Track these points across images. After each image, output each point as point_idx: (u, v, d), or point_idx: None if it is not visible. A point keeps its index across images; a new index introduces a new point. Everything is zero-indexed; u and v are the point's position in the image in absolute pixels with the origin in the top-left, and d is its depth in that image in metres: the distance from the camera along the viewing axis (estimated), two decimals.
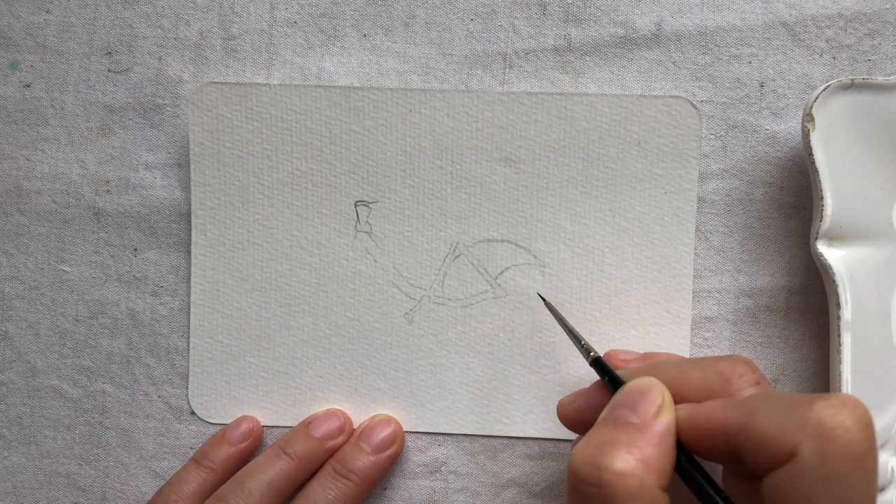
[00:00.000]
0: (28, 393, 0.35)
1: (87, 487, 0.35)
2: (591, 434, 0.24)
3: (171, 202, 0.34)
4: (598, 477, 0.22)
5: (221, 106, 0.33)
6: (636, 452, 0.22)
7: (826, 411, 0.21)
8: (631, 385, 0.25)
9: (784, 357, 0.33)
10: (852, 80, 0.30)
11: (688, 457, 0.24)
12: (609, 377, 0.27)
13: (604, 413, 0.24)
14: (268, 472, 0.31)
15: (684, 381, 0.25)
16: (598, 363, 0.28)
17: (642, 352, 0.32)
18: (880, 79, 0.31)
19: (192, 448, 0.34)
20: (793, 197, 0.33)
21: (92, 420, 0.35)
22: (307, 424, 0.33)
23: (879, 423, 0.31)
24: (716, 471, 0.26)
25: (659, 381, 0.25)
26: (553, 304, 0.32)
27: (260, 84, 0.33)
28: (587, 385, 0.29)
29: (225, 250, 0.34)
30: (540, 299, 0.33)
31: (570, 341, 0.32)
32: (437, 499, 0.34)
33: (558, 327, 0.33)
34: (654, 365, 0.27)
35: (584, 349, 0.29)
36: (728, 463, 0.23)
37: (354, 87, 0.33)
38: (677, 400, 0.25)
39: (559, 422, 0.29)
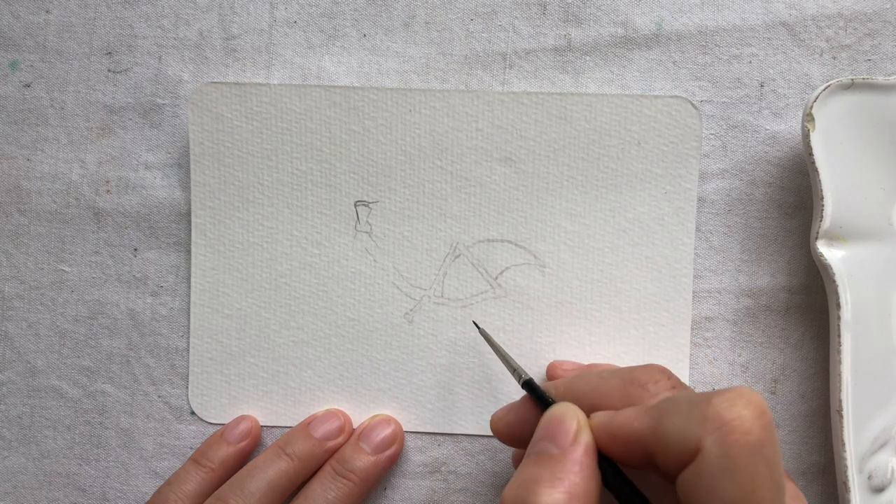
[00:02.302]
0: (28, 393, 0.35)
1: (87, 487, 0.35)
2: (518, 473, 0.24)
3: (171, 202, 0.34)
4: None
5: (221, 106, 0.33)
6: (559, 485, 0.23)
7: (723, 405, 0.21)
8: (547, 416, 0.25)
9: (784, 357, 0.33)
10: (852, 80, 0.30)
11: (613, 470, 0.24)
12: (538, 398, 0.27)
13: (529, 448, 0.25)
14: (268, 472, 0.31)
15: (605, 391, 0.26)
16: (528, 385, 0.28)
17: (642, 349, 0.32)
18: (880, 79, 0.31)
19: (192, 448, 0.34)
20: (793, 197, 0.33)
21: (92, 420, 0.35)
22: (307, 424, 0.33)
23: (879, 423, 0.31)
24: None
25: (577, 402, 0.25)
26: (486, 332, 0.32)
27: (260, 84, 0.33)
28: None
29: (225, 250, 0.34)
30: (475, 326, 0.33)
31: (568, 341, 0.32)
32: (437, 499, 0.34)
33: (558, 328, 0.33)
34: (575, 378, 0.27)
35: (516, 373, 0.29)
36: (648, 468, 0.24)
37: (354, 87, 0.33)
38: (599, 409, 0.25)
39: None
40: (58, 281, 0.35)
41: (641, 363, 0.33)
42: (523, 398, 0.28)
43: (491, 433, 0.33)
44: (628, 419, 0.24)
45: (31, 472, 0.35)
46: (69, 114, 0.35)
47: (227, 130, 0.34)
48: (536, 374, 0.33)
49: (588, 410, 0.25)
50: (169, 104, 0.34)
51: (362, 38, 0.34)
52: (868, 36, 0.33)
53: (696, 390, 0.30)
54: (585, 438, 0.24)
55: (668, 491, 0.23)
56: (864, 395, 0.30)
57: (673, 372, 0.27)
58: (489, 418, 0.33)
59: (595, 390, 0.26)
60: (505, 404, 0.29)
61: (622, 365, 0.33)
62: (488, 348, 0.33)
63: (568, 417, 0.24)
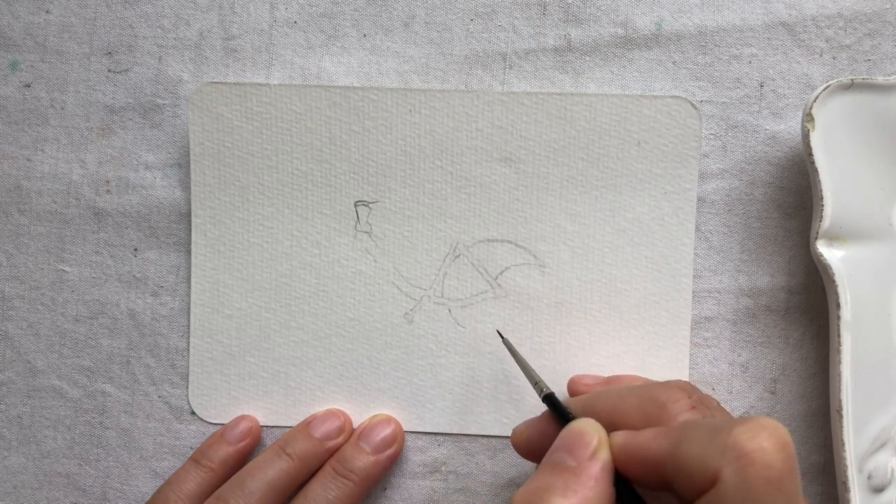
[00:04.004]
0: (28, 393, 0.35)
1: (87, 487, 0.35)
2: (531, 479, 0.24)
3: (171, 202, 0.34)
4: None
5: (221, 106, 0.33)
6: (572, 496, 0.23)
7: (744, 435, 0.21)
8: (568, 429, 0.25)
9: (784, 357, 0.33)
10: (852, 80, 0.30)
11: (628, 490, 0.24)
12: (558, 413, 0.27)
13: (545, 457, 0.25)
14: (268, 472, 0.31)
15: (624, 409, 0.26)
16: (549, 399, 0.28)
17: (641, 349, 0.32)
18: (880, 79, 0.31)
19: (192, 448, 0.34)
20: (793, 197, 0.33)
21: (92, 420, 0.35)
22: (307, 424, 0.33)
23: (879, 423, 0.31)
24: None
25: (596, 420, 0.25)
26: (510, 342, 0.32)
27: (260, 84, 0.33)
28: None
29: (225, 250, 0.34)
30: (499, 336, 0.33)
31: (569, 341, 0.32)
32: (437, 499, 0.34)
33: (558, 328, 0.33)
34: (594, 395, 0.27)
35: (538, 386, 0.29)
36: (664, 490, 0.23)
37: (354, 87, 0.33)
38: (618, 427, 0.25)
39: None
40: (58, 281, 0.35)
41: (641, 363, 0.33)
42: (544, 414, 0.28)
43: (491, 433, 0.33)
44: (647, 441, 0.23)
45: (31, 472, 0.35)
46: (69, 114, 0.35)
47: (227, 130, 0.34)
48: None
49: (607, 428, 0.25)
50: (169, 104, 0.34)
51: (362, 38, 0.34)
52: (868, 36, 0.33)
53: None
54: (604, 455, 0.24)
55: None
56: (863, 395, 0.30)
57: (695, 387, 0.27)
58: (489, 418, 0.33)
59: (614, 408, 0.26)
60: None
61: (619, 365, 0.33)
62: (495, 346, 0.33)
63: (589, 433, 0.24)
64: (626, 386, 0.29)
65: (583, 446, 0.24)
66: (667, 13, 0.33)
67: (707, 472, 0.21)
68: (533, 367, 0.32)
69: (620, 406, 0.26)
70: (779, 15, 0.33)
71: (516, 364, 0.31)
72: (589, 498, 0.23)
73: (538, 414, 0.29)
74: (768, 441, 0.21)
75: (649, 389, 0.26)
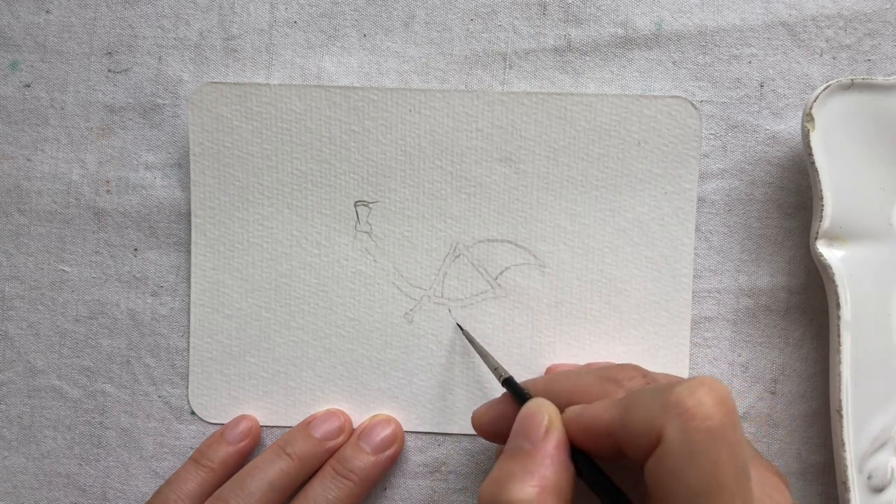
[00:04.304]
0: (28, 393, 0.35)
1: (87, 487, 0.35)
2: (494, 469, 0.25)
3: (171, 202, 0.34)
4: None
5: (221, 106, 0.33)
6: (530, 479, 0.23)
7: (684, 392, 0.22)
8: (521, 413, 0.26)
9: (784, 357, 0.33)
10: (852, 80, 0.30)
11: (587, 462, 0.25)
12: (517, 394, 0.28)
13: (506, 445, 0.25)
14: (268, 472, 0.31)
15: (582, 388, 0.27)
16: (507, 382, 0.29)
17: (641, 349, 0.32)
18: (880, 79, 0.31)
19: (192, 448, 0.34)
20: (793, 197, 0.33)
21: (92, 420, 0.35)
22: (307, 424, 0.33)
23: (879, 423, 0.31)
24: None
25: (549, 396, 0.26)
26: (469, 332, 0.33)
27: (260, 84, 0.33)
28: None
29: (225, 250, 0.34)
30: (458, 328, 0.33)
31: (569, 341, 0.32)
32: (437, 499, 0.34)
33: (558, 328, 0.33)
34: (554, 376, 0.28)
35: (496, 371, 0.30)
36: (619, 458, 0.24)
37: (354, 87, 0.33)
38: (575, 404, 0.26)
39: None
40: (58, 281, 0.35)
41: (641, 363, 0.33)
42: (503, 395, 0.29)
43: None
44: (598, 411, 0.24)
45: (31, 472, 0.35)
46: (69, 114, 0.35)
47: (227, 130, 0.34)
48: (537, 374, 0.33)
49: (567, 406, 0.25)
50: (169, 104, 0.34)
51: (362, 38, 0.34)
52: (868, 36, 0.33)
53: None
54: (556, 432, 0.24)
55: (640, 480, 0.24)
56: (863, 395, 0.30)
57: (648, 370, 0.28)
58: None
59: (573, 387, 0.27)
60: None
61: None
62: (494, 346, 0.33)
63: (539, 412, 0.25)
64: (583, 367, 0.30)
65: (536, 427, 0.25)
66: (667, 13, 0.33)
67: (652, 431, 0.22)
68: (534, 365, 0.32)
69: (579, 384, 0.27)
70: (779, 15, 0.33)
71: (476, 353, 0.32)
72: (547, 477, 0.23)
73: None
74: (707, 396, 0.21)
75: (606, 369, 0.27)
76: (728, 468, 0.21)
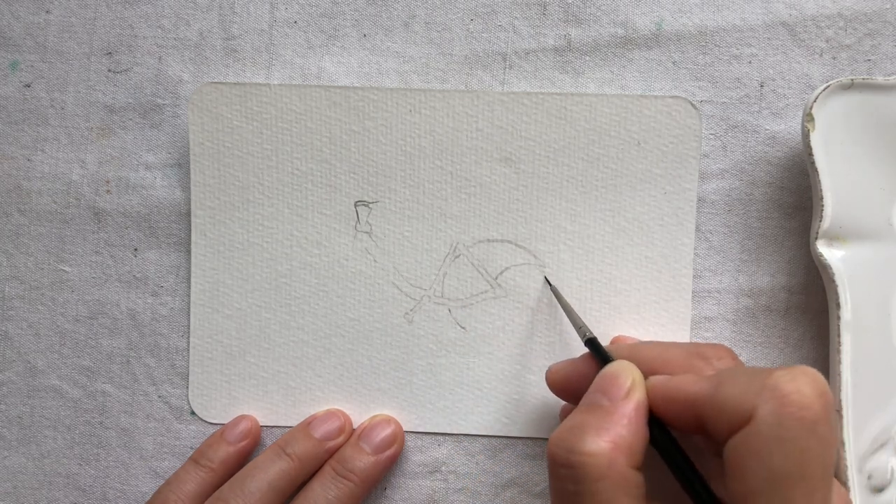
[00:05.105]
0: (28, 393, 0.35)
1: (87, 487, 0.35)
2: (567, 419, 0.25)
3: (171, 202, 0.34)
4: (569, 459, 0.23)
5: (221, 106, 0.33)
6: (605, 434, 0.23)
7: (784, 378, 0.22)
8: (604, 370, 0.26)
9: (784, 357, 0.33)
10: (852, 80, 0.30)
11: (663, 432, 0.25)
12: (599, 355, 0.28)
13: (582, 399, 0.26)
14: (268, 472, 0.31)
15: (668, 358, 0.27)
16: (591, 343, 0.29)
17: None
18: (880, 79, 0.31)
19: (192, 448, 0.34)
20: (793, 197, 0.33)
21: (92, 420, 0.35)
22: (307, 424, 0.33)
23: (879, 423, 0.31)
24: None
25: (633, 363, 0.26)
26: (557, 289, 0.33)
27: (260, 84, 0.33)
28: None
29: (225, 250, 0.34)
30: (546, 282, 0.33)
31: (568, 341, 0.32)
32: (437, 499, 0.34)
33: (557, 327, 0.33)
34: (640, 343, 0.28)
35: (581, 330, 0.30)
36: (698, 433, 0.24)
37: (354, 87, 0.33)
38: (658, 374, 0.26)
39: (551, 392, 0.30)
40: (58, 281, 0.35)
41: None
42: (584, 355, 0.29)
43: (491, 433, 0.33)
44: (686, 383, 0.24)
45: (31, 472, 0.35)
46: (69, 114, 0.35)
47: (227, 130, 0.34)
48: (537, 374, 0.33)
49: (649, 375, 0.26)
50: (169, 104, 0.34)
51: (362, 38, 0.34)
52: (868, 36, 0.33)
53: None
54: (638, 395, 0.24)
55: (713, 459, 0.24)
56: (864, 395, 0.30)
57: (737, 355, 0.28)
58: (489, 418, 0.33)
59: (659, 357, 0.27)
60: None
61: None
62: (495, 346, 0.33)
63: (623, 374, 0.25)
64: (671, 341, 0.30)
65: (618, 386, 0.25)
66: (667, 13, 0.33)
67: (744, 409, 0.21)
68: (534, 366, 0.32)
69: (665, 355, 0.27)
70: (779, 15, 0.33)
71: (561, 309, 0.32)
72: (622, 435, 0.23)
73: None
74: (807, 386, 0.21)
75: (696, 346, 0.27)
76: (815, 461, 0.21)
